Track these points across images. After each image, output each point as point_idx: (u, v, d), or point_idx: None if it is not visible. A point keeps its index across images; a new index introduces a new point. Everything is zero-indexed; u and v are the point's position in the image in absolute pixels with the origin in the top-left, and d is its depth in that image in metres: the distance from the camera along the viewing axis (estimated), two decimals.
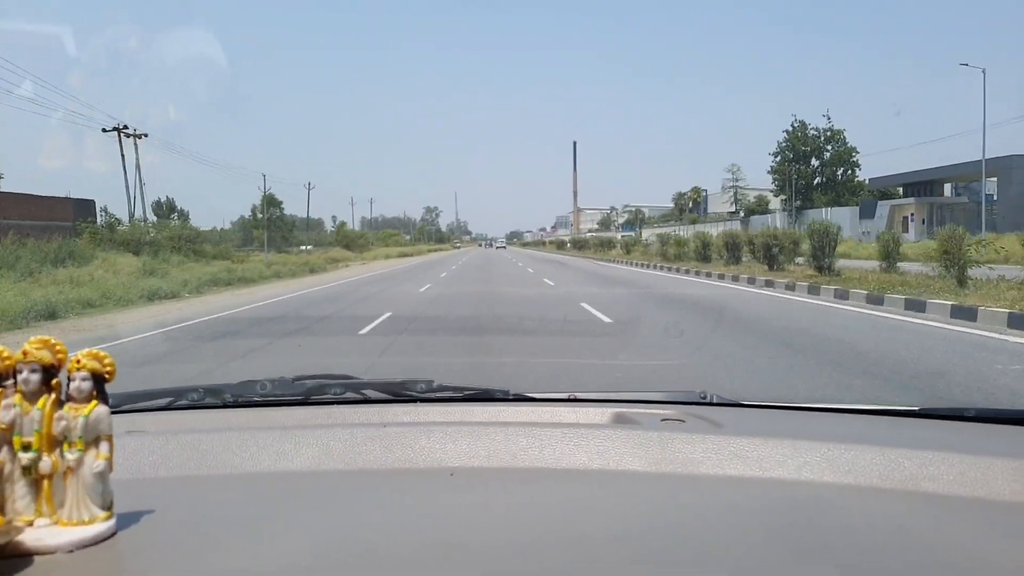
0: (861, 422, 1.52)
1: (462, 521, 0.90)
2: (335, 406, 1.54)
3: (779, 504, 0.95)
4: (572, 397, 1.61)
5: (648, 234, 55.03)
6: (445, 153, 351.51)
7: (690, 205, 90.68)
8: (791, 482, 1.03)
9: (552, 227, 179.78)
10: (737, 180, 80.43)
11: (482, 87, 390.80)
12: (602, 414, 1.45)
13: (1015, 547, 0.82)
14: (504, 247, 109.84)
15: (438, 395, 1.58)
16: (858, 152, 63.60)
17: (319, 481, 1.05)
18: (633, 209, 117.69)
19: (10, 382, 0.78)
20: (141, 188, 34.31)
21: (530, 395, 1.61)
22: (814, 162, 64.43)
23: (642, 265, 30.75)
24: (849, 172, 63.78)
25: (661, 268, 27.17)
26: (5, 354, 0.79)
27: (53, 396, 0.79)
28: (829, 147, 64.05)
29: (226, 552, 0.78)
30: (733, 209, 76.60)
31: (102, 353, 0.81)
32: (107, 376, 0.81)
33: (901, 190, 56.06)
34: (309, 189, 64.17)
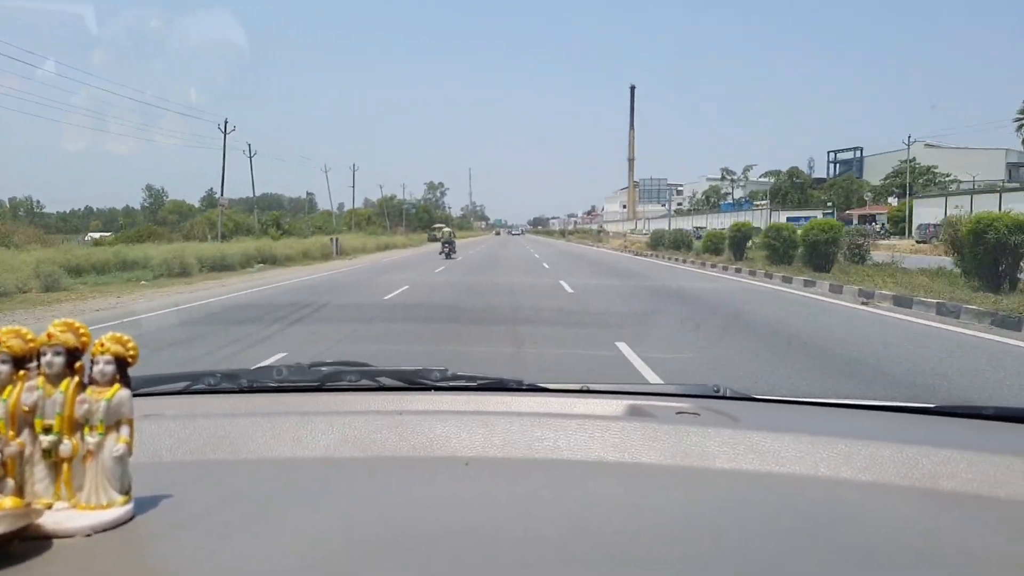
0: (877, 419, 1.51)
1: (478, 510, 0.90)
2: (350, 393, 1.55)
3: (797, 500, 0.95)
4: (585, 388, 1.60)
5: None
6: (470, 132, 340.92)
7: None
8: (808, 478, 1.02)
9: (587, 212, 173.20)
10: None
11: (517, 58, 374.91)
12: (616, 406, 1.44)
13: None
14: (520, 234, 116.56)
15: (452, 384, 1.58)
16: None
17: (336, 468, 1.05)
18: (752, 176, 74.49)
19: (33, 364, 0.79)
20: None
21: (543, 385, 1.60)
22: None
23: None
24: None
25: None
26: (29, 336, 0.79)
27: (76, 379, 0.79)
28: None
29: (244, 537, 0.78)
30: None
31: (125, 337, 0.81)
32: (130, 360, 0.81)
33: None
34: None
